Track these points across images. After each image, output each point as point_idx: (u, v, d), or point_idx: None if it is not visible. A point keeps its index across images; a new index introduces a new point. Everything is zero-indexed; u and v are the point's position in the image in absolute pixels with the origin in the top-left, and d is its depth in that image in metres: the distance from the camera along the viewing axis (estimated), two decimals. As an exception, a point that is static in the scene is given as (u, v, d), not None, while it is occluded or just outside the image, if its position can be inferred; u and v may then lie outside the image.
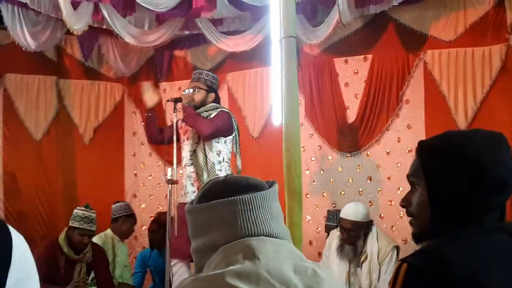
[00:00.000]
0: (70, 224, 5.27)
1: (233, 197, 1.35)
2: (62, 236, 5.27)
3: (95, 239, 5.93)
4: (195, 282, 1.29)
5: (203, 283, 1.27)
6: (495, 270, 1.56)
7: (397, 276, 1.56)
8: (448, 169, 1.68)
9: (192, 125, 5.16)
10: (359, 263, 5.08)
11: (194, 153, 5.23)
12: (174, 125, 5.16)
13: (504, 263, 1.58)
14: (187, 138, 5.32)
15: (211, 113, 5.27)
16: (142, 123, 7.52)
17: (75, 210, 5.35)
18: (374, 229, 5.15)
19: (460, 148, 1.69)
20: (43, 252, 5.15)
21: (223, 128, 5.21)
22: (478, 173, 1.64)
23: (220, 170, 5.19)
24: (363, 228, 5.07)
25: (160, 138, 5.65)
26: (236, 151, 5.43)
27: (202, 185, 5.00)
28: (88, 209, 5.35)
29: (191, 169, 5.23)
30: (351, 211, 5.12)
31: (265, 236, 1.35)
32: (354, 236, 5.06)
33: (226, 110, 5.43)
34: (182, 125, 5.42)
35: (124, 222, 6.27)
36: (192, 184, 5.21)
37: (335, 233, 5.31)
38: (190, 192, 5.19)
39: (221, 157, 5.22)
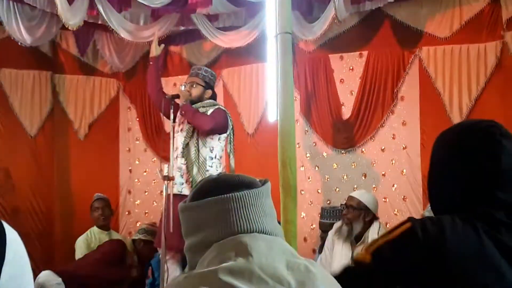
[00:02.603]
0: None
1: (225, 195, 1.35)
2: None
3: (80, 240, 6.16)
4: (188, 279, 1.29)
5: (196, 280, 1.27)
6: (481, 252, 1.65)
7: (397, 228, 1.71)
8: (438, 156, 1.85)
9: (191, 120, 5.17)
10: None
11: (186, 146, 5.25)
12: (171, 121, 5.16)
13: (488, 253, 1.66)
14: (181, 130, 5.33)
15: (208, 110, 5.29)
16: (137, 119, 7.55)
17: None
18: (376, 224, 5.18)
19: (454, 136, 1.85)
20: None
21: (221, 125, 5.25)
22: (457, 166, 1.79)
23: (211, 167, 5.21)
24: (364, 212, 5.14)
25: (159, 94, 5.69)
26: (230, 150, 5.46)
27: (191, 178, 5.03)
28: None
29: (182, 161, 5.25)
30: (360, 193, 5.37)
31: (258, 233, 1.35)
32: (353, 215, 5.14)
33: (223, 108, 5.47)
34: (179, 117, 5.42)
35: (94, 207, 6.48)
36: (182, 176, 5.23)
37: (338, 225, 5.37)
38: (178, 184, 5.20)
39: (213, 154, 5.24)
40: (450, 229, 1.67)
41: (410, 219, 1.74)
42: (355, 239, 5.15)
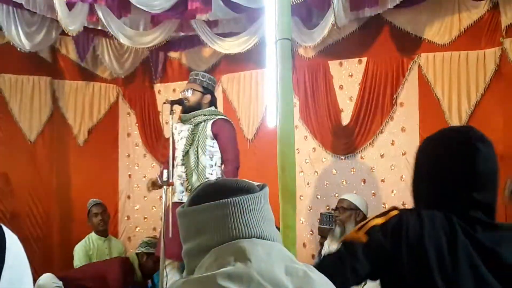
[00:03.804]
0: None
1: (224, 200, 1.35)
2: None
3: (78, 246, 6.15)
4: (186, 284, 1.29)
5: (195, 285, 1.27)
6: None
7: (385, 214, 1.92)
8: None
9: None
10: None
11: (186, 154, 5.22)
12: (170, 126, 5.15)
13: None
14: (181, 138, 5.32)
15: (209, 119, 5.23)
16: (137, 124, 7.58)
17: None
18: None
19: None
20: None
21: (236, 143, 5.30)
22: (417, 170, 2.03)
23: (211, 174, 5.17)
24: (355, 212, 5.28)
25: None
26: None
27: (190, 186, 5.01)
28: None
29: (182, 169, 5.22)
30: (350, 195, 5.55)
31: (256, 238, 1.35)
32: (345, 216, 5.25)
33: (225, 118, 5.40)
34: (177, 125, 5.40)
35: (93, 213, 6.45)
36: (182, 184, 5.21)
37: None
38: (178, 192, 5.18)
39: (213, 161, 5.21)
40: (429, 223, 1.85)
41: (396, 208, 1.95)
42: None
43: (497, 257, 1.79)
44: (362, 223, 1.95)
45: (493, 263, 1.79)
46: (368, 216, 5.29)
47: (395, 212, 1.89)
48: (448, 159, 1.90)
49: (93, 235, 6.40)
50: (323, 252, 5.52)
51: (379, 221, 1.89)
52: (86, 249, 6.26)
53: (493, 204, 1.90)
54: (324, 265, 1.85)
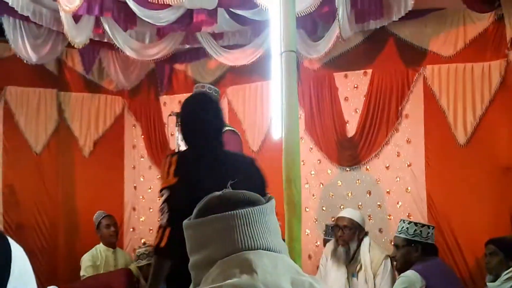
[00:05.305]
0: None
1: (230, 212, 1.35)
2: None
3: (86, 256, 6.12)
4: (192, 296, 1.29)
5: (201, 297, 1.27)
6: None
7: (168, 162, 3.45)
8: None
9: None
10: (355, 272, 5.12)
11: None
12: (176, 138, 5.15)
13: None
14: None
15: None
16: (142, 136, 7.58)
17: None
18: (367, 240, 5.20)
19: None
20: None
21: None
22: None
23: None
24: (357, 229, 5.20)
25: None
26: None
27: None
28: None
29: None
30: (348, 211, 5.42)
31: (262, 250, 1.35)
32: (348, 235, 5.17)
33: (233, 129, 5.35)
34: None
35: (104, 224, 6.38)
36: None
37: (331, 245, 5.37)
38: None
39: None
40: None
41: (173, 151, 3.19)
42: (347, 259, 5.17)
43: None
44: (166, 169, 3.42)
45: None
46: (366, 230, 5.33)
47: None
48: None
49: (101, 246, 6.37)
50: (320, 263, 5.52)
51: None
52: (93, 260, 6.23)
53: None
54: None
